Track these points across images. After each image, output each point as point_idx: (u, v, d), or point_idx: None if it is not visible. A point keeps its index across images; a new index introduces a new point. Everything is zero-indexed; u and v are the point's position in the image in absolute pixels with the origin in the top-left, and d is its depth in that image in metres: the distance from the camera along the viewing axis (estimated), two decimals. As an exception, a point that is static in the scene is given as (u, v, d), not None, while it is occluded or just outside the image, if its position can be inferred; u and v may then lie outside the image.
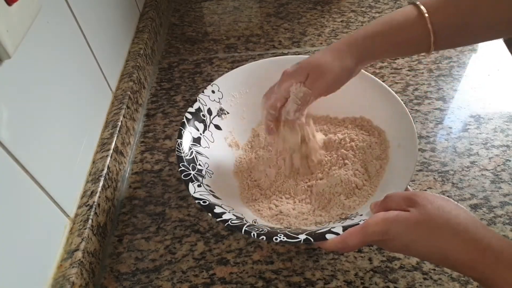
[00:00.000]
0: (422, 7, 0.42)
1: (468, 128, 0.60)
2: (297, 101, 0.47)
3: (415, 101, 0.64)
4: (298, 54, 0.74)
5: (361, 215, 0.44)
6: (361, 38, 0.45)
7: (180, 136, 0.51)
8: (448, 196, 0.52)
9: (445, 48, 0.48)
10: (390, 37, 0.44)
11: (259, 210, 0.49)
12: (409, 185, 0.45)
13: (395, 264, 0.46)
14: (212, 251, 0.49)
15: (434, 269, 0.45)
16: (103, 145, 0.55)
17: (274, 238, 0.40)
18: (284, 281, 0.46)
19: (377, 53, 0.46)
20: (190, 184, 0.46)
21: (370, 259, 0.47)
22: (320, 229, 0.42)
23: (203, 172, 0.49)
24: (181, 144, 0.50)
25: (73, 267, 0.42)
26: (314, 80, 0.46)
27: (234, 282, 0.46)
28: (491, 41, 0.44)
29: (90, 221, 0.46)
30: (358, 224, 0.41)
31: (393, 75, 0.69)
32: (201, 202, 0.44)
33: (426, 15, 0.42)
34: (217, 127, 0.56)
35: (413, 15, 0.42)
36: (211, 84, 0.57)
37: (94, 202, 0.48)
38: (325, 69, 0.46)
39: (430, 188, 0.53)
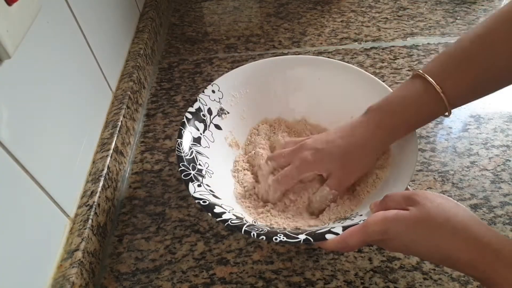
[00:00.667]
0: (432, 81, 0.41)
1: (468, 128, 0.60)
2: (326, 203, 0.48)
3: (415, 101, 0.64)
4: (298, 54, 0.74)
5: (361, 215, 0.44)
6: (386, 134, 0.45)
7: (180, 136, 0.51)
8: (448, 196, 0.52)
9: (470, 101, 0.48)
10: (410, 121, 0.45)
11: (248, 207, 0.50)
12: (409, 185, 0.45)
13: (395, 264, 0.46)
14: (212, 251, 0.49)
15: (434, 269, 0.45)
16: (103, 145, 0.55)
17: (274, 238, 0.40)
18: (284, 281, 0.46)
19: (399, 136, 0.46)
20: (190, 184, 0.46)
21: (370, 259, 0.47)
22: (320, 229, 0.42)
23: (203, 172, 0.49)
24: (181, 144, 0.50)
25: (73, 267, 0.42)
26: (340, 181, 0.47)
27: (234, 282, 0.46)
28: None
29: (90, 221, 0.46)
30: (358, 224, 0.41)
31: (393, 75, 0.69)
32: (201, 202, 0.44)
33: (440, 90, 0.41)
34: (217, 127, 0.56)
35: (423, 91, 0.42)
36: (211, 84, 0.57)
37: (94, 202, 0.48)
38: (352, 171, 0.47)
39: (430, 188, 0.53)
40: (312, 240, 0.40)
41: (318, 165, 0.47)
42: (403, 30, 0.78)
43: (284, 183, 0.48)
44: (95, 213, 0.47)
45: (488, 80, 0.42)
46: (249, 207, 0.50)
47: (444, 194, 0.52)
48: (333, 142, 0.46)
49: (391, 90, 0.53)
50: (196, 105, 0.54)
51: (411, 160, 0.45)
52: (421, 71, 0.43)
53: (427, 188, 0.53)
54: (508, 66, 0.40)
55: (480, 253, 0.33)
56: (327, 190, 0.47)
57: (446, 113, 0.43)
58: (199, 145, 0.52)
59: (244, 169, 0.55)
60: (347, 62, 0.62)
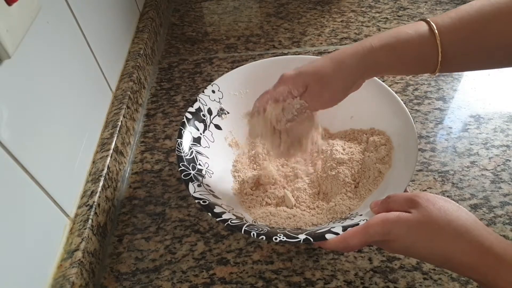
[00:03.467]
0: (432, 23, 0.40)
1: (468, 128, 0.60)
2: (293, 112, 0.46)
3: (415, 101, 0.64)
4: (298, 54, 0.74)
5: (361, 215, 0.44)
6: (367, 50, 0.42)
7: (180, 136, 0.51)
8: (448, 196, 0.52)
9: (454, 70, 0.46)
10: (396, 51, 0.41)
11: (249, 207, 0.50)
12: (409, 185, 0.45)
13: (395, 264, 0.46)
14: (212, 251, 0.49)
15: (434, 269, 0.45)
16: (103, 145, 0.55)
17: (273, 238, 0.40)
18: (284, 281, 0.46)
19: (381, 68, 0.43)
20: (190, 183, 0.46)
21: (370, 259, 0.47)
22: (320, 229, 0.42)
23: (203, 172, 0.49)
24: (181, 144, 0.50)
25: (73, 267, 0.42)
26: (314, 94, 0.44)
27: (234, 282, 0.46)
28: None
29: (90, 221, 0.46)
30: (358, 224, 0.41)
31: (393, 74, 0.69)
32: (201, 201, 0.44)
33: (436, 31, 0.40)
34: (217, 127, 0.56)
35: (423, 31, 0.40)
36: (211, 84, 0.57)
37: (94, 202, 0.48)
38: (327, 83, 0.44)
39: (430, 188, 0.53)
40: (312, 240, 0.40)
41: (296, 80, 0.45)
42: (403, 30, 0.78)
43: (261, 97, 0.47)
44: (95, 213, 0.47)
45: (488, 44, 0.40)
46: (249, 207, 0.50)
47: (444, 194, 0.52)
48: (318, 61, 0.45)
49: (391, 90, 0.53)
50: (196, 105, 0.54)
51: (411, 160, 0.45)
52: (428, 17, 0.42)
53: (427, 188, 0.53)
54: (505, 31, 0.39)
55: (482, 257, 0.33)
56: (297, 100, 0.45)
57: (433, 69, 0.41)
58: (199, 145, 0.52)
59: (245, 168, 0.55)
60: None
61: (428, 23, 0.41)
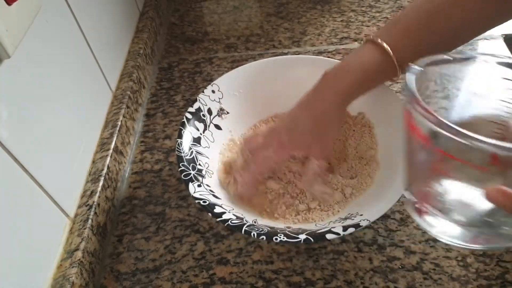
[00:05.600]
0: (386, 47, 0.44)
1: (468, 128, 0.60)
2: (318, 176, 0.49)
3: (415, 100, 0.64)
4: (298, 54, 0.74)
5: (361, 214, 0.43)
6: (341, 98, 0.47)
7: (180, 136, 0.50)
8: (448, 196, 0.52)
9: None
10: (366, 84, 0.47)
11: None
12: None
13: (395, 264, 0.46)
14: (212, 251, 0.49)
15: (434, 269, 0.45)
16: (103, 145, 0.55)
17: (274, 238, 0.40)
18: (284, 281, 0.46)
19: (351, 101, 0.48)
20: (190, 184, 0.46)
21: (370, 259, 0.47)
22: (320, 229, 0.42)
23: (203, 172, 0.49)
24: (181, 144, 0.50)
25: (73, 267, 0.42)
26: (321, 151, 0.49)
27: (234, 282, 0.46)
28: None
29: (90, 221, 0.46)
30: (359, 224, 0.41)
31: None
32: (201, 202, 0.44)
33: (392, 55, 0.44)
34: (217, 127, 0.56)
35: (378, 56, 0.45)
36: (211, 84, 0.57)
37: (94, 202, 0.48)
38: (328, 139, 0.49)
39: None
40: (312, 240, 0.40)
41: (295, 145, 0.48)
42: (403, 29, 0.78)
43: (263, 166, 0.49)
44: (95, 213, 0.47)
45: (430, 45, 0.44)
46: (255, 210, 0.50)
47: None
48: (299, 119, 0.48)
49: (390, 90, 0.53)
50: (196, 105, 0.54)
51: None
52: (371, 36, 0.46)
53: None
54: (445, 34, 0.44)
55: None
56: (315, 163, 0.48)
57: (395, 77, 0.46)
58: (199, 145, 0.52)
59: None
60: (347, 61, 0.62)
61: (382, 48, 0.44)
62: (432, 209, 0.34)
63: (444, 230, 0.34)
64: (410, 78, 0.33)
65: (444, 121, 0.27)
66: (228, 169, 0.52)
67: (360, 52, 0.46)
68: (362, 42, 0.47)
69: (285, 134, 0.48)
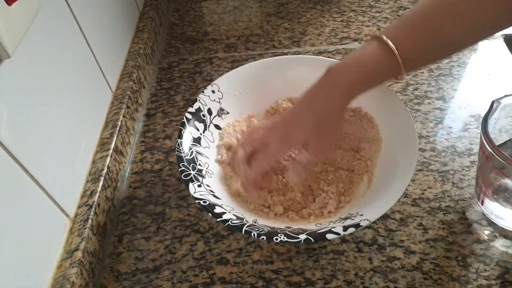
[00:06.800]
0: (391, 44, 0.43)
1: (468, 128, 0.60)
2: (306, 172, 0.49)
3: (415, 100, 0.64)
4: (298, 54, 0.74)
5: (362, 214, 0.43)
6: (343, 95, 0.46)
7: (180, 136, 0.50)
8: (448, 196, 0.52)
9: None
10: (370, 82, 0.46)
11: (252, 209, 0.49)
12: (409, 185, 0.45)
13: (395, 264, 0.46)
14: (212, 251, 0.49)
15: (434, 269, 0.45)
16: (103, 144, 0.55)
17: (274, 238, 0.40)
18: (284, 281, 0.46)
19: (354, 98, 0.47)
20: (190, 184, 0.46)
21: (370, 259, 0.47)
22: (321, 229, 0.42)
23: (203, 172, 0.49)
24: (181, 144, 0.50)
25: (73, 267, 0.42)
26: (317, 148, 0.48)
27: (234, 282, 0.46)
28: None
29: (90, 221, 0.46)
30: (359, 224, 0.41)
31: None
32: (201, 202, 0.44)
33: (396, 52, 0.43)
34: (217, 127, 0.56)
35: (382, 53, 0.44)
36: (211, 84, 0.57)
37: (94, 202, 0.48)
38: (327, 136, 0.48)
39: (430, 187, 0.53)
40: (312, 240, 0.40)
41: (295, 138, 0.47)
42: (403, 29, 0.78)
43: (266, 162, 0.49)
44: (95, 213, 0.47)
45: (437, 45, 0.44)
46: (253, 209, 0.50)
47: (444, 193, 0.52)
48: (301, 114, 0.47)
49: (391, 89, 0.53)
50: (196, 105, 0.54)
51: (411, 160, 0.45)
52: (378, 33, 0.45)
53: (427, 188, 0.53)
54: (453, 34, 0.43)
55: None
56: (306, 157, 0.48)
57: (400, 76, 0.45)
58: (199, 145, 0.52)
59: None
60: (347, 61, 0.61)
61: (386, 45, 0.43)
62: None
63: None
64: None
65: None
66: (228, 149, 0.53)
67: (364, 49, 0.45)
68: (366, 39, 0.47)
69: (286, 130, 0.48)
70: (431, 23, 0.43)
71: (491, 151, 0.42)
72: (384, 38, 0.43)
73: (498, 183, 0.45)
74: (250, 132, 0.53)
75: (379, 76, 0.46)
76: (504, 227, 0.48)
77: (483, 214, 0.49)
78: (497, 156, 0.42)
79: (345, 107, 0.47)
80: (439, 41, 0.43)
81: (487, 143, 0.43)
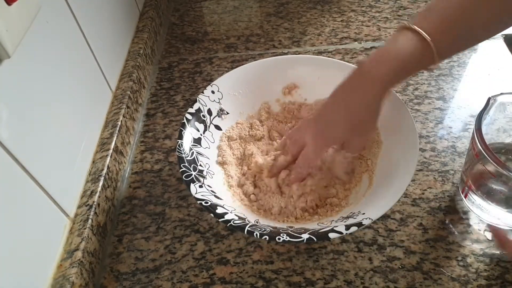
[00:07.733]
0: (424, 34, 0.42)
1: (468, 128, 0.60)
2: (350, 166, 0.50)
3: (415, 100, 0.64)
4: (298, 54, 0.74)
5: (364, 213, 0.43)
6: (380, 87, 0.45)
7: (180, 137, 0.50)
8: (448, 196, 0.52)
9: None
10: (404, 73, 0.45)
11: (252, 209, 0.50)
12: (409, 185, 0.45)
13: (395, 264, 0.46)
14: (212, 251, 0.49)
15: (434, 269, 0.45)
16: (102, 144, 0.55)
17: (277, 238, 0.40)
18: (284, 281, 0.46)
19: (388, 90, 0.46)
20: (192, 184, 0.46)
21: (370, 259, 0.47)
22: (323, 228, 0.42)
23: (204, 173, 0.49)
24: (181, 145, 0.50)
25: (73, 267, 0.42)
26: (356, 145, 0.49)
27: (234, 282, 0.46)
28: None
29: (90, 221, 0.46)
30: (361, 222, 0.41)
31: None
32: (203, 202, 0.44)
33: (430, 41, 0.42)
34: (217, 127, 0.56)
35: (418, 47, 0.43)
36: (211, 84, 0.57)
37: (94, 202, 0.48)
38: (364, 132, 0.48)
39: (430, 187, 0.53)
40: (315, 239, 0.40)
41: (333, 137, 0.47)
42: (403, 29, 0.78)
43: (306, 165, 0.49)
44: (95, 213, 0.47)
45: (469, 31, 0.43)
46: (254, 210, 0.50)
47: (444, 194, 0.52)
48: (337, 111, 0.47)
49: (391, 90, 0.53)
50: (195, 106, 0.54)
51: (411, 160, 0.45)
52: (407, 23, 0.44)
53: (427, 188, 0.53)
54: (485, 19, 0.42)
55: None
56: (348, 155, 0.50)
57: (433, 65, 0.44)
58: (199, 146, 0.52)
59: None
60: (347, 61, 0.61)
61: (420, 35, 0.42)
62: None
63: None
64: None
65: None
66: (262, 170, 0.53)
67: (396, 39, 0.44)
68: (395, 31, 0.45)
69: (321, 128, 0.47)
70: (461, 10, 0.42)
71: (481, 148, 0.43)
72: (416, 28, 0.42)
73: (483, 179, 0.46)
74: (290, 135, 0.52)
75: (414, 66, 0.44)
76: (484, 221, 0.49)
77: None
78: (486, 155, 0.42)
79: (380, 101, 0.46)
80: (471, 27, 0.42)
81: (478, 141, 0.43)
